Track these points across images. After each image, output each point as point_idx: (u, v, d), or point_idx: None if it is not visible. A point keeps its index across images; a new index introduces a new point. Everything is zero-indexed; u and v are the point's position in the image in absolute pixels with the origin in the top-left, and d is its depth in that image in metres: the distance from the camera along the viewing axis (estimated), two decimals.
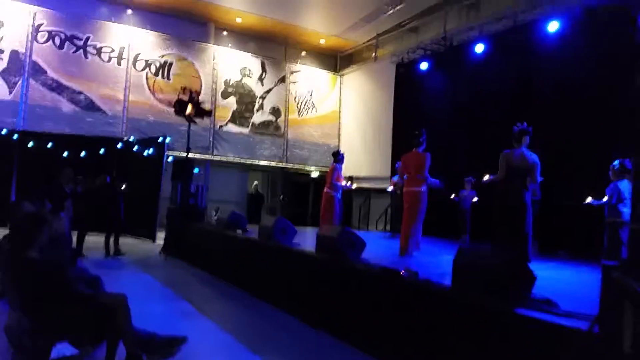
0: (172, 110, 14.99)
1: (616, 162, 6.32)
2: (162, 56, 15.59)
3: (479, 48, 10.18)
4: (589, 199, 6.54)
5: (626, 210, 6.05)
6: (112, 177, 9.48)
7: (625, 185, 6.15)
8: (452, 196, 9.67)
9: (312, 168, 17.46)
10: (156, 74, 15.47)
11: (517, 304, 3.33)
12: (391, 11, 14.34)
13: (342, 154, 8.88)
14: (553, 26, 8.76)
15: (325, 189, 8.70)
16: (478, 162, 8.28)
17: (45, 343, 3.28)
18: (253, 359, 4.13)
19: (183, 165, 10.88)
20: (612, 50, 7.19)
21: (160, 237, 11.43)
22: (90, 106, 14.48)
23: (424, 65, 11.85)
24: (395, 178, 10.58)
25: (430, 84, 11.75)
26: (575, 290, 4.79)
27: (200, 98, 13.68)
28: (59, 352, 3.50)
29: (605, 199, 6.31)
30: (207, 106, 13.35)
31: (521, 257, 3.83)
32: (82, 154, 13.12)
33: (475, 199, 9.35)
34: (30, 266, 3.21)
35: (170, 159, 13.04)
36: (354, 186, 9.96)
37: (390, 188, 10.48)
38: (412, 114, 12.11)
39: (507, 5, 10.19)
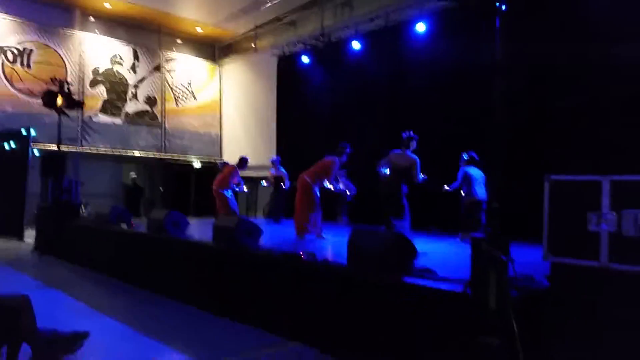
0: (33, 100, 13.96)
1: (464, 154, 7.52)
2: (21, 42, 14.19)
3: (355, 45, 10.90)
4: (445, 187, 7.66)
5: (480, 190, 7.19)
6: None
7: (474, 172, 7.34)
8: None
9: (194, 158, 17.17)
10: (14, 62, 14.07)
11: (403, 274, 3.89)
12: (269, 4, 14.54)
13: (247, 160, 9.24)
14: (420, 27, 9.67)
15: (217, 188, 8.93)
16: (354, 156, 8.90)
17: None
18: (154, 344, 4.25)
19: (54, 160, 10.15)
20: (474, 49, 8.13)
21: (29, 235, 10.64)
22: None
23: (305, 59, 12.32)
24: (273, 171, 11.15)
25: (312, 77, 12.28)
26: (447, 259, 5.55)
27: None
28: None
29: (456, 183, 7.44)
30: (78, 97, 12.51)
31: (404, 235, 4.38)
32: None
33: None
34: None
35: (35, 152, 12.03)
36: (245, 189, 10.27)
37: (264, 183, 11.20)
38: (295, 105, 12.59)
39: (379, 5, 10.99)
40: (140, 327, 4.72)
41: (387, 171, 6.65)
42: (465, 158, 7.65)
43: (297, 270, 4.51)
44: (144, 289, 6.31)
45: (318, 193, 7.37)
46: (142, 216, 11.76)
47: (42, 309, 3.63)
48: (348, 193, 10.22)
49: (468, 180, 7.48)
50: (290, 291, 4.48)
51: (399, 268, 3.98)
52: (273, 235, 7.66)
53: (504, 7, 7.91)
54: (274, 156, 11.90)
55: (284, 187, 10.85)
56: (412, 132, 6.62)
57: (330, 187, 7.64)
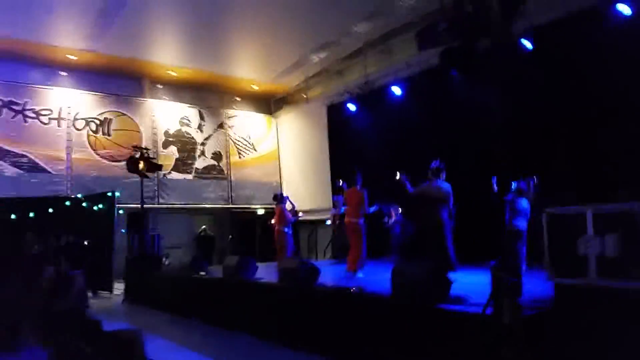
0: (114, 164, 15.71)
1: (514, 183, 7.86)
2: (101, 114, 16.14)
3: (396, 90, 11.74)
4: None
5: (521, 222, 7.55)
6: (73, 236, 10.00)
7: (521, 202, 7.69)
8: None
9: (257, 206, 18.37)
10: (96, 132, 15.97)
11: (438, 301, 4.54)
12: (316, 59, 15.76)
13: (283, 195, 10.10)
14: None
15: (277, 227, 9.77)
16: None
17: None
18: None
19: (138, 218, 11.52)
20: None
21: (118, 288, 11.91)
22: (34, 168, 14.72)
23: (351, 107, 13.29)
24: (333, 211, 11.87)
25: (359, 122, 13.20)
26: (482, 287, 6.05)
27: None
28: None
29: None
30: (157, 160, 14.02)
31: (441, 267, 5.02)
32: (31, 215, 13.35)
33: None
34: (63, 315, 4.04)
35: (121, 212, 13.56)
36: (301, 214, 11.00)
37: (328, 221, 11.79)
38: (345, 149, 13.51)
39: (415, 53, 11.79)
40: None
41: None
42: (514, 188, 7.89)
43: (348, 302, 5.25)
44: (224, 327, 7.22)
45: (363, 229, 8.00)
46: (214, 264, 12.83)
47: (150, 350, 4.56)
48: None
49: (513, 210, 7.80)
50: (344, 320, 5.21)
51: (435, 297, 4.63)
52: (332, 274, 8.43)
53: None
54: (335, 197, 12.64)
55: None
56: (438, 162, 7.08)
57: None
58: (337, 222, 11.84)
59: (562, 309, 3.58)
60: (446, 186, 6.95)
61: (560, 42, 8.56)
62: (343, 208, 11.39)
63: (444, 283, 4.70)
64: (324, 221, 12.88)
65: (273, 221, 10.19)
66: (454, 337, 4.04)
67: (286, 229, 9.68)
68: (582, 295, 3.42)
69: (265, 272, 8.31)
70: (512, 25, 4.02)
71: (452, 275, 4.96)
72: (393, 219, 10.57)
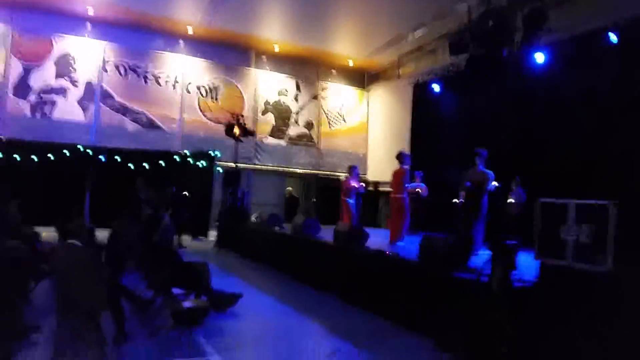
0: (220, 127, 17.42)
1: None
2: (211, 80, 17.91)
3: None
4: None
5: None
6: (176, 187, 11.73)
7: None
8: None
9: (342, 173, 19.36)
10: (205, 96, 17.80)
11: (455, 270, 5.21)
12: (410, 37, 16.11)
13: (353, 167, 10.77)
14: (540, 57, 10.31)
15: (342, 197, 10.56)
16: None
17: (159, 291, 5.38)
18: (285, 309, 6.18)
19: (232, 176, 13.06)
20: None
21: (212, 234, 13.66)
22: (150, 125, 16.89)
23: (436, 87, 13.63)
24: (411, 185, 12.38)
25: (442, 103, 13.55)
26: None
27: (244, 114, 15.98)
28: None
29: None
30: (250, 127, 15.47)
31: (463, 241, 5.64)
32: (145, 166, 15.51)
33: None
34: (154, 246, 5.34)
35: (219, 169, 15.29)
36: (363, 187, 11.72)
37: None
38: (426, 128, 13.95)
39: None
40: (278, 298, 6.75)
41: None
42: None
43: (383, 264, 6.08)
44: (287, 274, 8.41)
45: (406, 204, 8.64)
46: None
47: (217, 282, 5.80)
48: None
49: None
50: (379, 279, 6.06)
51: (455, 265, 5.30)
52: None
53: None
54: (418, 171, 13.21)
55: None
56: (479, 149, 7.59)
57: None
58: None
59: (544, 284, 4.12)
60: (488, 172, 7.49)
61: None
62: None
63: (462, 254, 5.34)
64: None
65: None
66: (456, 299, 4.73)
67: (349, 200, 10.45)
68: (561, 273, 3.94)
69: (329, 233, 9.32)
70: (535, 38, 4.46)
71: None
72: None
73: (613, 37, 8.76)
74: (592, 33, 9.15)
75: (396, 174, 8.95)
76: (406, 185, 8.77)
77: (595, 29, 8.98)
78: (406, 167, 8.93)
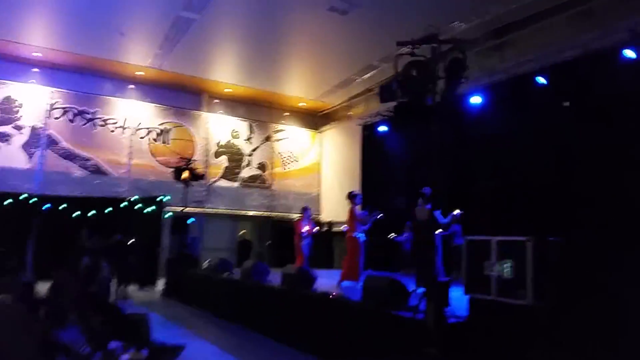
0: (170, 170, 17.23)
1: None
2: (162, 124, 17.87)
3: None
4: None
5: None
6: (122, 235, 11.45)
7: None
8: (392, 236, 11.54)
9: (296, 215, 19.38)
10: (156, 140, 17.68)
11: (395, 308, 5.29)
12: (359, 79, 16.68)
13: (305, 208, 10.92)
14: (476, 100, 10.90)
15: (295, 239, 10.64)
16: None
17: (98, 346, 5.18)
18: (230, 359, 6.07)
19: (180, 221, 12.87)
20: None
21: (160, 283, 13.26)
22: (97, 170, 16.57)
23: (383, 128, 14.08)
24: None
25: (389, 142, 13.99)
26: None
27: (195, 157, 15.92)
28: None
29: None
30: (201, 170, 15.40)
31: (398, 281, 5.76)
32: (91, 213, 15.06)
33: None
34: (92, 297, 5.17)
35: (168, 214, 15.03)
36: (316, 229, 11.86)
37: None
38: (376, 166, 14.33)
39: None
40: (224, 347, 6.62)
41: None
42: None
43: (328, 305, 6.11)
44: (235, 322, 8.25)
45: (360, 243, 8.77)
46: None
47: (161, 334, 5.66)
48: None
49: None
50: (321, 319, 6.08)
51: (394, 304, 5.39)
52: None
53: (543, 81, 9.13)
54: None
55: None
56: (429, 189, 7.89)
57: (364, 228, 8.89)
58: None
59: (474, 319, 4.27)
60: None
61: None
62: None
63: (401, 293, 5.45)
64: None
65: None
66: (395, 337, 4.80)
67: (302, 242, 10.54)
68: (488, 308, 4.09)
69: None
70: (456, 86, 4.79)
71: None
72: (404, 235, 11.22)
73: (541, 80, 9.40)
74: (524, 76, 9.81)
75: (349, 214, 9.07)
76: (359, 224, 8.87)
77: (526, 72, 9.64)
78: (357, 206, 9.10)
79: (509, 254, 3.96)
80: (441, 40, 4.96)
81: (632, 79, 7.70)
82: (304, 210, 10.85)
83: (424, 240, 7.55)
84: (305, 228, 10.46)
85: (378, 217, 9.10)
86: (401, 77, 4.77)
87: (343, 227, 13.04)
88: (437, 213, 7.80)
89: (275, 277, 9.01)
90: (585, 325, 3.52)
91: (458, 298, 4.68)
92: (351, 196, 9.14)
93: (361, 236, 8.83)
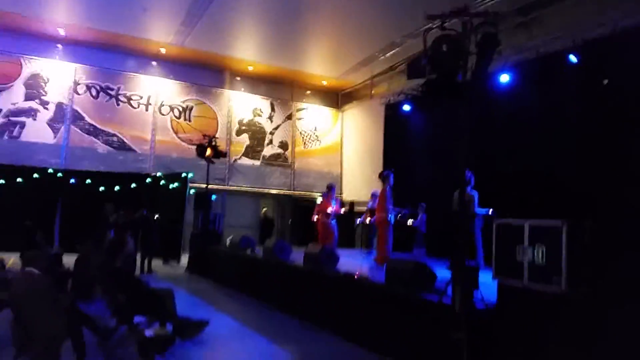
0: (193, 147, 17.33)
1: None
2: (184, 101, 17.89)
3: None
4: None
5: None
6: (147, 210, 11.57)
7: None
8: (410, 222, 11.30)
9: (318, 193, 19.36)
10: (179, 117, 17.74)
11: (420, 291, 5.23)
12: (382, 57, 16.38)
13: (331, 186, 10.76)
14: (504, 78, 10.61)
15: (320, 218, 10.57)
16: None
17: (122, 320, 5.26)
18: (253, 335, 6.11)
19: (204, 197, 12.94)
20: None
21: (184, 258, 13.45)
22: (122, 146, 16.73)
23: (406, 107, 13.84)
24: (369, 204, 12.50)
25: (412, 122, 13.76)
26: None
27: (217, 135, 15.94)
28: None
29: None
30: (223, 147, 15.41)
31: (424, 264, 5.67)
32: (116, 188, 15.29)
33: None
34: (117, 271, 5.23)
35: (192, 191, 15.16)
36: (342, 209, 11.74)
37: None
38: (398, 147, 14.14)
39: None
40: (248, 324, 6.70)
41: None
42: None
43: (352, 286, 6.08)
44: (257, 298, 8.31)
45: (391, 224, 8.60)
46: None
47: (185, 309, 5.71)
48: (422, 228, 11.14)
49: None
50: (348, 300, 6.05)
51: (420, 287, 5.32)
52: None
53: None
54: (375, 190, 13.31)
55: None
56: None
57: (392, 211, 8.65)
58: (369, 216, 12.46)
59: (503, 305, 4.18)
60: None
61: None
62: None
63: (427, 277, 5.38)
64: None
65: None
66: (421, 321, 4.74)
67: (330, 221, 10.45)
68: (517, 294, 4.00)
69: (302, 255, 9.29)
70: (489, 63, 4.59)
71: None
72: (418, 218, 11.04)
73: (573, 58, 9.06)
74: (554, 54, 9.47)
75: (380, 195, 8.84)
76: (389, 205, 8.60)
77: (557, 50, 9.30)
78: (389, 186, 8.76)
79: (542, 238, 3.84)
80: (473, 13, 4.74)
81: None
82: (330, 188, 10.69)
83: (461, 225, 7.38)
84: (330, 209, 10.31)
85: (399, 214, 8.84)
86: (431, 52, 4.58)
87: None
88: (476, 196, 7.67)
89: (297, 255, 9.04)
90: (622, 315, 3.41)
91: (487, 283, 4.59)
92: (383, 176, 8.78)
93: (391, 218, 8.54)
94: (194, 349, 5.52)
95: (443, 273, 5.73)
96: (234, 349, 5.76)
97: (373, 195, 12.44)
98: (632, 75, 7.82)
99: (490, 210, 7.53)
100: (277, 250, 8.64)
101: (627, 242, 3.59)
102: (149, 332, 4.76)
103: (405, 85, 15.51)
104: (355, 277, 6.19)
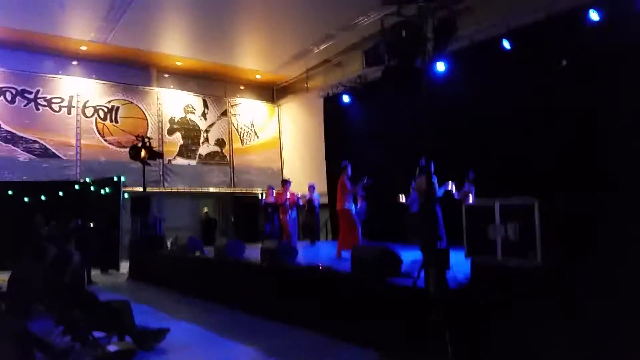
0: (122, 150, 16.47)
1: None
2: (109, 102, 16.92)
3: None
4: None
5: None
6: (81, 219, 10.83)
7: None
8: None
9: (259, 190, 19.08)
10: (104, 119, 16.75)
11: (389, 276, 5.22)
12: (316, 50, 16.32)
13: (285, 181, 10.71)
14: (440, 67, 10.86)
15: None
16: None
17: (78, 337, 4.83)
18: (217, 338, 5.90)
19: (141, 201, 12.32)
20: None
21: (124, 266, 12.75)
22: (45, 153, 15.56)
23: (346, 99, 13.88)
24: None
25: (352, 114, 13.85)
26: None
27: (148, 136, 15.23)
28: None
29: None
30: (158, 148, 14.78)
31: (388, 249, 5.67)
32: (43, 198, 14.21)
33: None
34: (67, 287, 4.79)
35: (126, 195, 14.38)
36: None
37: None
38: (339, 139, 14.20)
39: None
40: (208, 326, 6.39)
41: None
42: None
43: (316, 277, 5.97)
44: (213, 301, 8.00)
45: (353, 213, 8.54)
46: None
47: (138, 318, 5.34)
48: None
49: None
50: (311, 292, 5.94)
51: (387, 272, 5.31)
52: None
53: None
54: (311, 182, 13.33)
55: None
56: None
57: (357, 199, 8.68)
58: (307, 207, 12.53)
59: (477, 283, 4.25)
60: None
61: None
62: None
63: (393, 261, 5.38)
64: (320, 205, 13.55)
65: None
66: (394, 307, 4.73)
67: (289, 215, 10.43)
68: (491, 271, 4.07)
69: (253, 252, 9.05)
70: (446, 48, 4.65)
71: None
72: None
73: (506, 44, 9.44)
74: (489, 41, 9.79)
75: (339, 185, 8.72)
76: (349, 195, 8.52)
77: (491, 37, 9.63)
78: (346, 176, 8.69)
79: (514, 216, 3.93)
80: None
81: (597, 41, 7.82)
82: (285, 182, 10.87)
83: (425, 210, 7.44)
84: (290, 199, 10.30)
85: (366, 182, 8.86)
86: (390, 38, 4.55)
87: None
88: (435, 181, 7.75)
89: (249, 253, 8.80)
90: (592, 284, 3.55)
91: (458, 263, 4.65)
92: (342, 167, 8.73)
93: (352, 207, 8.49)
94: (159, 359, 5.20)
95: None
96: (200, 355, 5.48)
97: (311, 188, 12.41)
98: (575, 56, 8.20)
99: (450, 183, 7.70)
100: (230, 249, 8.36)
101: (595, 215, 3.74)
102: (112, 348, 4.41)
103: (342, 77, 15.61)
104: (320, 268, 6.09)
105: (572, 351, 3.48)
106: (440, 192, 7.88)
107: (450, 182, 7.88)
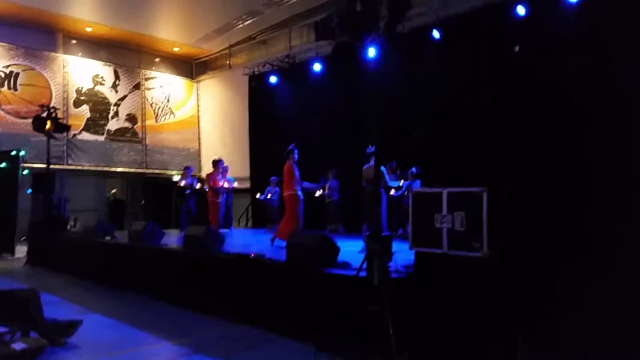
0: (21, 121, 14.92)
1: (413, 169, 8.79)
2: (8, 66, 15.18)
3: (316, 67, 12.02)
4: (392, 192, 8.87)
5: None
6: None
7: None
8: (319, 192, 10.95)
9: (174, 172, 18.16)
10: (2, 85, 15.01)
11: (326, 266, 5.04)
12: (241, 25, 15.70)
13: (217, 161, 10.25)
14: (371, 52, 10.84)
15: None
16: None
17: None
18: (134, 331, 5.46)
19: (44, 179, 11.15)
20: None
21: (20, 250, 11.53)
22: None
23: (272, 79, 13.46)
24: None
25: (279, 94, 13.45)
26: None
27: (52, 106, 13.82)
28: None
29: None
30: (65, 120, 13.49)
31: (328, 237, 5.50)
32: None
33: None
34: None
35: (25, 172, 12.97)
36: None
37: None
38: (265, 120, 13.78)
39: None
40: (121, 317, 5.86)
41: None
42: (413, 172, 9.05)
43: (247, 266, 5.66)
44: (128, 290, 7.39)
45: (301, 200, 8.16)
46: (125, 229, 12.58)
47: (45, 310, 4.73)
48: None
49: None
50: (244, 283, 5.62)
51: (324, 262, 5.13)
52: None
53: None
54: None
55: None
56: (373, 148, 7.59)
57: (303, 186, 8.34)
58: None
59: (421, 273, 4.20)
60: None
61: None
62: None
63: (331, 250, 5.22)
64: (240, 190, 13.10)
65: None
66: (334, 297, 4.56)
67: (219, 200, 10.05)
68: (435, 261, 4.03)
69: (175, 239, 8.52)
70: (397, 26, 4.50)
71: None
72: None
73: (436, 34, 9.57)
74: (419, 29, 9.84)
75: (286, 170, 8.26)
76: (296, 182, 8.14)
77: (422, 26, 9.70)
78: (293, 162, 8.27)
79: (461, 205, 3.88)
80: None
81: (523, 34, 8.10)
82: (215, 163, 10.53)
83: (370, 197, 7.30)
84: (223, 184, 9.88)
85: (315, 189, 8.70)
86: (344, 12, 4.32)
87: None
88: (384, 170, 7.69)
89: (166, 239, 8.26)
90: (539, 274, 3.60)
91: (400, 252, 4.57)
92: (288, 152, 8.26)
93: (300, 194, 8.13)
94: (69, 354, 4.64)
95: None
96: (117, 349, 4.96)
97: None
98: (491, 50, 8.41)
99: (402, 181, 7.65)
100: (147, 235, 7.76)
101: (545, 204, 3.78)
102: (18, 345, 3.83)
103: (268, 55, 15.15)
104: (252, 256, 5.77)
105: (518, 341, 3.52)
106: (395, 183, 7.89)
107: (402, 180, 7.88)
